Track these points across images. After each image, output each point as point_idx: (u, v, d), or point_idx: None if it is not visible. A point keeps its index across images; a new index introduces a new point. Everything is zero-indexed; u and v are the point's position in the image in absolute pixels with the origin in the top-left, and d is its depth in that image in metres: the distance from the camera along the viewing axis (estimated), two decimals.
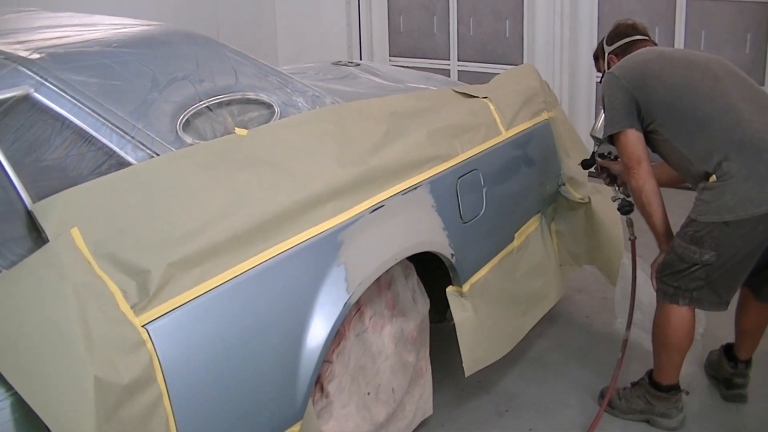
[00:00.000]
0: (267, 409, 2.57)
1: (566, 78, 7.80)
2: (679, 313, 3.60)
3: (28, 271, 2.04)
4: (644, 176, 3.61)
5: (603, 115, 3.94)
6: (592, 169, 4.35)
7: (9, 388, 1.91)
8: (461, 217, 3.56)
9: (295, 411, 2.66)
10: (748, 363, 3.99)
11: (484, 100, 4.05)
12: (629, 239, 4.12)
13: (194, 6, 8.25)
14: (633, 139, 3.63)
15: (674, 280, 3.57)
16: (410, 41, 8.81)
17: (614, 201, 4.12)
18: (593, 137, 4.16)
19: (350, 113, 3.24)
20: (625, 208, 4.04)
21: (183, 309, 2.27)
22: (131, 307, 2.15)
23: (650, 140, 3.70)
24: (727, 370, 4.01)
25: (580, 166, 4.43)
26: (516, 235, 4.09)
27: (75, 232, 2.14)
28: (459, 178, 3.55)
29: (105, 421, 1.98)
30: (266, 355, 2.55)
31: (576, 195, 4.52)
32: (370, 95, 3.82)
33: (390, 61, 8.85)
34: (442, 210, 3.42)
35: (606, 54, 4.18)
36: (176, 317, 2.25)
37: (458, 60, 8.50)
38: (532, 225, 4.30)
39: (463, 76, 8.21)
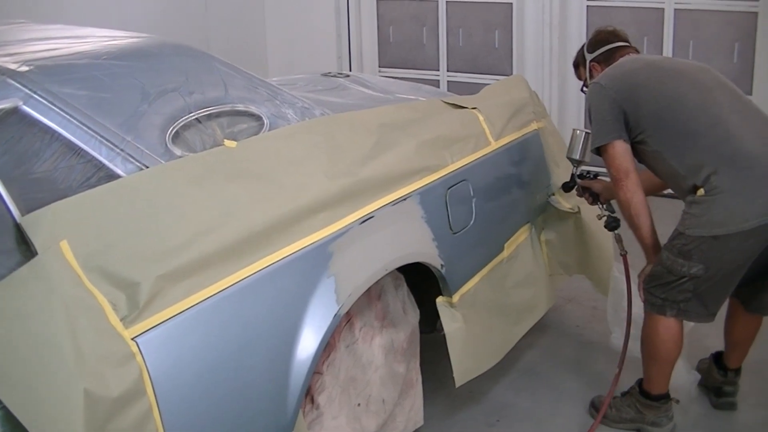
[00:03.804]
0: (257, 421, 2.56)
1: (555, 89, 7.82)
2: (666, 324, 3.60)
3: (17, 285, 2.03)
4: (633, 188, 3.61)
5: (576, 134, 3.98)
6: (574, 191, 4.29)
7: None
8: (451, 228, 3.56)
9: (286, 423, 2.65)
10: (737, 371, 4.00)
11: (474, 110, 4.06)
12: (620, 254, 4.06)
13: (184, 18, 8.24)
14: (621, 150, 3.62)
15: (662, 291, 3.57)
16: (400, 52, 8.82)
17: (600, 219, 4.11)
18: (570, 159, 4.10)
19: (340, 125, 3.24)
20: (611, 225, 4.02)
21: (173, 321, 2.26)
22: (121, 320, 2.14)
23: (637, 151, 3.69)
24: (717, 379, 4.01)
25: (560, 189, 4.43)
26: (506, 245, 4.09)
27: (64, 245, 2.13)
28: (448, 188, 3.55)
29: None
30: (256, 367, 2.54)
31: (565, 205, 4.52)
32: (359, 106, 3.83)
33: (380, 71, 8.86)
34: (431, 221, 3.42)
35: (587, 61, 4.17)
36: (166, 330, 2.24)
37: (448, 71, 8.51)
38: (522, 235, 4.30)
39: (452, 86, 8.21)
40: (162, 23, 7.83)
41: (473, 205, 3.73)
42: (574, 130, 4.03)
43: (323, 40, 9.11)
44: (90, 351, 2.03)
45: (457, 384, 3.60)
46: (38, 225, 2.15)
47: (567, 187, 4.28)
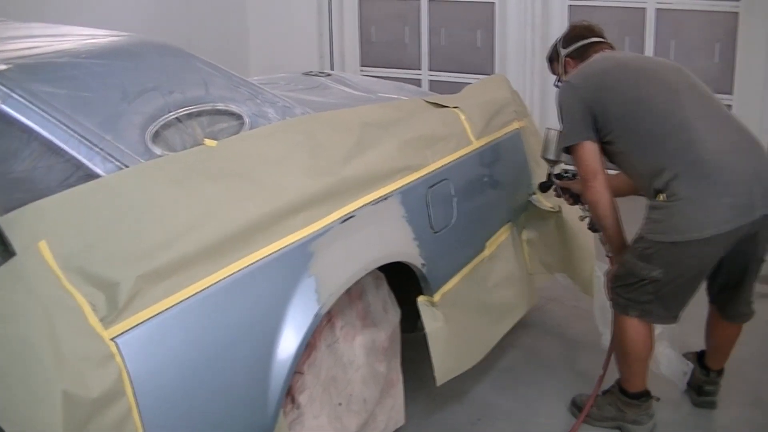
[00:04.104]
0: (238, 420, 2.55)
1: (537, 88, 7.84)
2: (632, 323, 3.64)
3: None
4: (600, 189, 3.62)
5: (550, 134, 3.96)
6: (552, 191, 4.32)
7: None
8: (432, 227, 3.56)
9: (267, 423, 2.65)
10: (720, 372, 4.02)
11: (455, 110, 4.05)
12: (606, 255, 4.03)
13: (166, 17, 8.22)
14: (589, 151, 3.63)
15: (626, 292, 3.62)
16: (382, 51, 8.82)
17: (582, 220, 4.14)
18: (545, 159, 4.08)
19: (321, 124, 3.23)
20: (594, 226, 4.02)
21: (152, 322, 2.25)
22: (100, 321, 2.13)
23: (607, 151, 3.70)
24: (700, 378, 4.04)
25: (537, 190, 4.46)
26: (487, 244, 4.09)
27: (43, 245, 2.12)
28: (430, 188, 3.55)
29: None
30: (237, 367, 2.53)
31: (547, 204, 4.53)
32: (341, 105, 3.81)
33: (361, 71, 8.86)
34: (412, 220, 3.41)
35: (561, 57, 4.15)
36: (146, 330, 2.23)
37: (430, 70, 8.51)
38: (503, 234, 4.30)
39: (434, 86, 8.22)
40: (143, 22, 7.82)
41: (454, 204, 3.73)
42: (547, 129, 4.02)
43: (305, 40, 9.10)
44: (69, 352, 2.02)
45: (438, 383, 3.59)
46: (17, 225, 2.13)
47: (544, 187, 4.32)
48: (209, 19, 8.83)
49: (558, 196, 4.25)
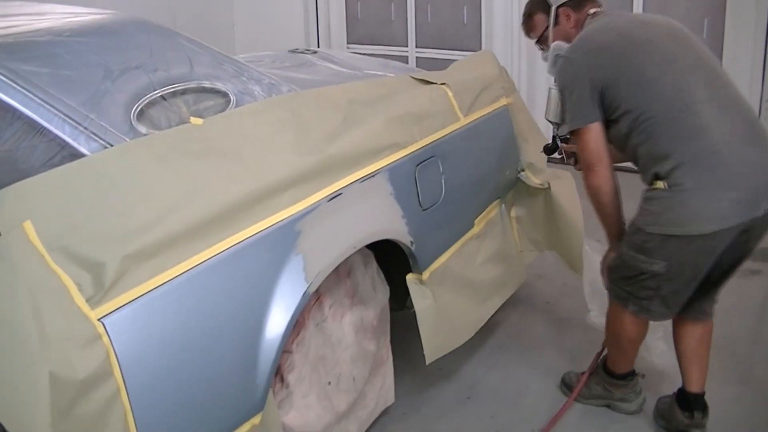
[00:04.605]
0: (227, 400, 2.54)
1: (524, 65, 7.82)
2: (629, 315, 3.51)
3: None
4: (606, 174, 3.41)
5: (554, 95, 3.67)
6: (556, 155, 4.11)
7: None
8: (420, 205, 3.54)
9: (256, 402, 2.63)
10: (705, 410, 3.65)
11: (442, 86, 4.02)
12: None
13: None
14: (596, 133, 3.39)
15: (625, 284, 3.45)
16: (368, 28, 8.79)
17: None
18: (549, 121, 3.80)
19: (307, 101, 3.20)
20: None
21: (139, 302, 2.23)
22: (86, 301, 2.11)
23: (608, 129, 3.43)
24: (682, 421, 3.65)
25: (542, 152, 4.16)
26: (476, 221, 4.08)
27: (27, 225, 2.10)
28: (417, 165, 3.53)
29: (61, 418, 1.95)
30: (225, 347, 2.51)
31: (535, 181, 4.51)
32: (327, 83, 3.78)
33: (348, 48, 8.84)
34: (400, 197, 3.39)
35: (553, 7, 3.74)
36: (133, 310, 2.21)
37: (416, 47, 8.49)
38: (492, 211, 4.29)
39: (421, 62, 8.21)
40: (126, 1, 7.76)
41: (443, 181, 3.71)
42: (550, 89, 3.73)
43: (291, 17, 9.07)
44: (55, 333, 2.00)
45: (428, 361, 3.58)
46: (1, 205, 2.11)
47: (549, 150, 4.06)
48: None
49: (564, 161, 4.08)
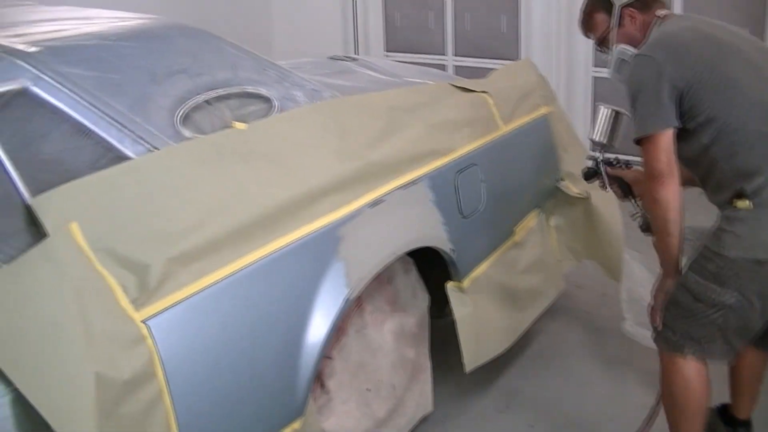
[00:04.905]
0: (267, 404, 2.56)
1: (563, 73, 7.79)
2: (687, 364, 3.02)
3: (28, 266, 2.03)
4: (676, 189, 2.94)
5: (605, 114, 3.47)
6: (596, 180, 3.67)
7: (9, 384, 1.90)
8: (461, 212, 3.54)
9: (296, 407, 2.65)
10: (748, 426, 3.43)
11: (483, 94, 4.02)
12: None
13: (188, 0, 8.20)
14: (671, 140, 2.94)
15: (682, 324, 3.01)
16: (406, 36, 8.79)
17: (634, 218, 3.53)
18: (595, 142, 3.54)
19: (349, 107, 3.21)
20: (648, 225, 3.40)
21: (183, 304, 2.26)
22: (131, 302, 2.14)
23: (680, 141, 3.00)
24: None
25: (582, 178, 3.77)
26: (516, 230, 4.07)
27: (74, 227, 2.12)
28: (458, 172, 3.53)
29: (106, 418, 1.97)
30: (267, 351, 2.54)
31: (574, 190, 4.49)
32: (367, 90, 3.79)
33: (386, 56, 8.83)
34: (441, 204, 3.40)
35: (616, 7, 3.32)
36: (176, 312, 2.24)
37: (454, 55, 8.48)
38: (531, 220, 4.28)
39: (459, 71, 8.19)
40: (166, 4, 7.79)
41: (483, 189, 3.71)
42: (599, 106, 3.52)
43: (329, 24, 9.10)
44: (100, 333, 2.03)
45: (467, 370, 3.58)
46: (48, 207, 2.14)
47: (588, 175, 3.67)
48: (233, 4, 8.82)
49: (603, 187, 3.62)
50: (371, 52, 8.96)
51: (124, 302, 2.12)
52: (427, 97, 3.73)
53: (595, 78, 7.55)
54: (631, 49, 3.28)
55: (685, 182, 3.10)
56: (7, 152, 2.20)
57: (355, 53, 8.88)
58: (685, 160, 3.06)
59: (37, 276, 2.02)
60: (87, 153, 2.37)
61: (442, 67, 8.35)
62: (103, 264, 2.12)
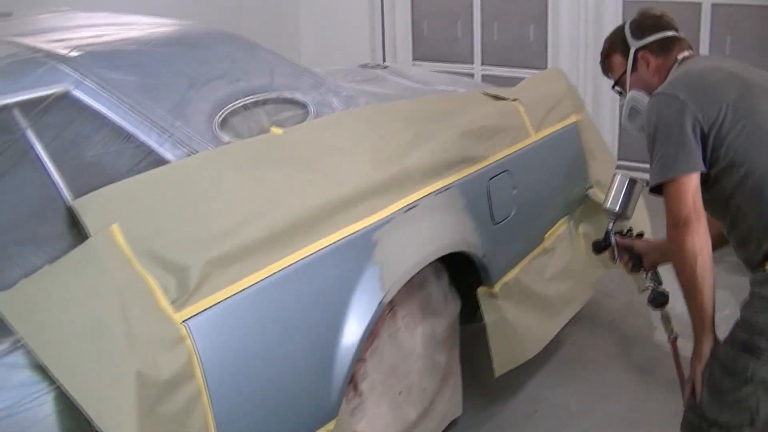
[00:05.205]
0: (303, 405, 2.58)
1: (590, 83, 7.78)
2: None
3: (70, 267, 2.06)
4: (704, 237, 2.67)
5: (619, 181, 3.37)
6: (606, 253, 3.52)
7: (52, 381, 1.92)
8: (492, 218, 3.56)
9: (331, 408, 2.67)
10: None
11: (514, 102, 4.04)
12: (669, 340, 3.33)
13: (217, 9, 8.25)
14: (696, 185, 2.70)
15: (709, 402, 2.67)
16: (434, 45, 8.81)
17: (642, 292, 3.40)
18: (606, 212, 3.42)
19: (383, 114, 3.24)
20: (658, 300, 3.29)
21: (221, 306, 2.28)
22: (171, 303, 2.17)
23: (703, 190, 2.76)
24: None
25: (591, 252, 3.66)
26: (545, 236, 4.09)
27: (115, 229, 2.16)
28: (490, 179, 3.55)
29: (146, 416, 1.99)
30: (302, 353, 2.56)
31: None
32: (399, 97, 3.82)
33: (413, 65, 8.85)
34: (473, 211, 3.42)
35: (632, 50, 3.17)
36: (214, 314, 2.26)
37: (482, 64, 8.49)
38: (561, 227, 4.28)
39: (486, 80, 8.16)
40: (194, 11, 7.82)
41: (514, 196, 3.72)
42: (615, 174, 3.41)
43: (357, 33, 9.12)
44: (141, 333, 2.05)
45: (497, 374, 3.61)
46: (90, 208, 2.18)
47: (599, 248, 3.54)
48: (261, 11, 8.85)
49: (612, 259, 3.49)
50: (399, 61, 8.98)
51: (164, 303, 2.15)
52: (459, 104, 3.75)
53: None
54: (644, 96, 3.13)
55: (714, 243, 2.79)
56: (50, 155, 2.23)
57: (383, 62, 8.91)
58: (712, 215, 2.86)
59: (79, 276, 2.05)
60: (127, 156, 2.40)
61: (470, 77, 8.36)
62: (144, 265, 2.15)
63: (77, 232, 2.18)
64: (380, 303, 2.80)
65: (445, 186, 3.25)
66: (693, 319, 2.76)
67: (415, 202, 3.05)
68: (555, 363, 4.40)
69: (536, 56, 8.10)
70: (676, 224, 2.69)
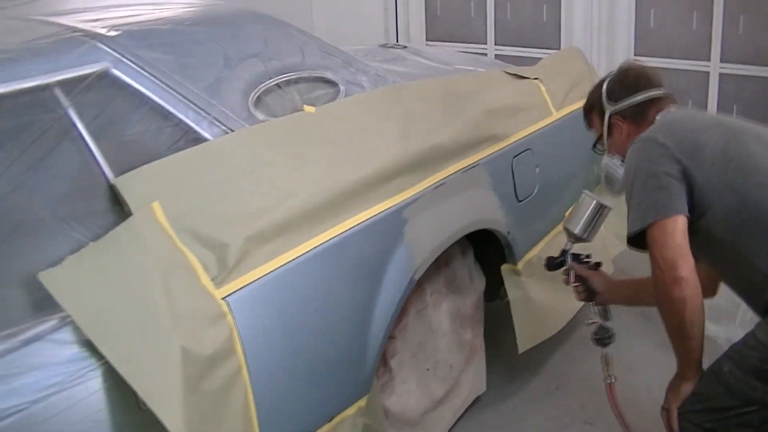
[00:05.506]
0: (338, 381, 2.62)
1: (603, 63, 7.76)
2: None
3: (114, 244, 2.09)
4: (694, 284, 2.45)
5: (586, 203, 3.17)
6: (560, 273, 3.32)
7: (100, 357, 1.95)
8: (516, 196, 3.59)
9: (364, 384, 2.71)
10: None
11: (535, 81, 4.06)
12: (605, 382, 3.20)
13: None
14: (683, 228, 2.50)
15: (711, 419, 2.51)
16: (447, 25, 8.80)
17: (588, 325, 3.25)
18: (567, 231, 3.23)
19: (411, 93, 3.26)
20: (602, 339, 3.20)
21: (259, 282, 2.31)
22: (212, 280, 2.19)
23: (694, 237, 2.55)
24: None
25: (544, 266, 3.40)
26: (566, 214, 4.10)
27: (156, 206, 2.18)
28: (514, 157, 3.58)
29: (190, 392, 2.02)
30: (337, 329, 2.60)
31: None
32: (422, 76, 3.84)
33: (426, 45, 8.85)
34: (498, 188, 3.45)
35: (607, 114, 3.03)
36: (253, 290, 2.29)
37: (495, 44, 8.48)
38: None
39: (500, 60, 8.20)
40: None
41: (537, 174, 3.75)
42: (583, 195, 3.20)
43: (370, 14, 9.11)
44: (184, 310, 2.08)
45: (521, 350, 3.65)
46: (131, 186, 2.20)
47: (552, 265, 3.32)
48: None
49: (567, 282, 3.28)
50: (412, 42, 8.97)
51: (205, 280, 2.18)
52: (483, 83, 3.77)
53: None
54: (617, 165, 3.03)
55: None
56: (91, 133, 2.26)
57: (397, 42, 8.90)
58: (707, 262, 2.71)
59: (124, 253, 2.08)
60: (166, 134, 2.43)
61: (484, 56, 8.36)
62: (184, 242, 2.18)
63: (119, 209, 2.20)
64: (411, 280, 2.83)
65: (471, 164, 3.28)
66: (678, 358, 2.61)
67: (443, 179, 3.08)
68: (576, 340, 4.42)
69: (550, 36, 8.10)
70: (663, 272, 2.49)
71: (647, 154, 2.60)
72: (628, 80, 2.98)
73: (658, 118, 2.85)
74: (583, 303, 3.38)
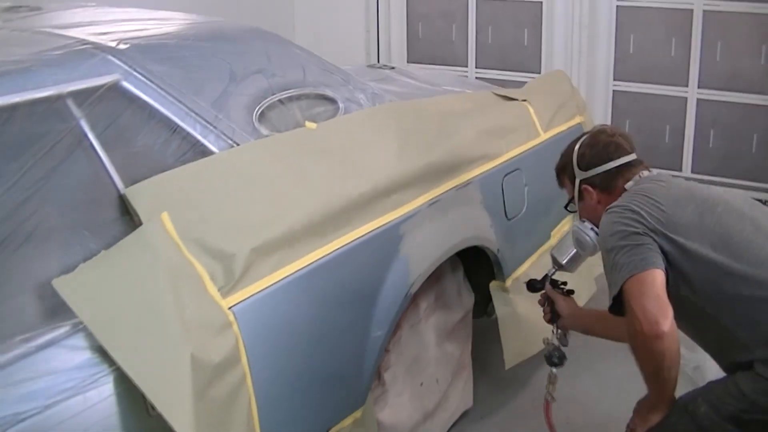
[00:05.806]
0: (336, 393, 2.67)
1: (583, 86, 7.82)
2: None
3: (125, 253, 2.13)
4: (674, 336, 2.37)
5: (578, 233, 3.06)
6: (538, 295, 3.34)
7: (111, 363, 1.98)
8: (506, 215, 3.65)
9: (360, 396, 2.76)
10: None
11: (524, 102, 4.13)
12: (546, 399, 3.33)
13: (213, 6, 8.24)
14: (660, 282, 2.42)
15: None
16: (428, 47, 8.83)
17: (545, 344, 3.28)
18: (554, 259, 3.25)
19: (406, 111, 3.32)
20: (555, 359, 3.24)
21: (264, 293, 2.35)
22: (218, 290, 2.23)
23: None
24: None
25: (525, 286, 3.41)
26: (552, 233, 4.18)
27: (165, 217, 2.22)
28: (504, 176, 3.64)
29: (199, 398, 2.05)
30: (336, 341, 2.64)
31: None
32: (413, 96, 3.91)
33: (408, 67, 8.88)
34: (490, 207, 3.52)
35: (577, 181, 2.99)
36: (257, 301, 2.33)
37: (476, 67, 8.53)
38: (566, 225, 4.37)
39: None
40: (189, 9, 7.85)
41: (525, 193, 3.82)
42: (575, 226, 3.11)
43: (352, 35, 9.13)
44: (193, 318, 2.12)
45: (507, 366, 3.70)
46: (141, 196, 2.25)
47: (533, 288, 3.34)
48: (256, 12, 8.86)
49: (541, 303, 3.32)
50: (393, 63, 9.01)
51: (212, 289, 2.22)
52: (475, 104, 3.85)
53: (615, 91, 7.63)
54: (587, 229, 3.01)
55: None
56: (102, 143, 2.30)
57: (377, 63, 8.93)
58: (688, 330, 2.67)
59: (134, 262, 2.13)
60: (174, 146, 2.47)
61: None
62: (192, 252, 2.22)
63: (129, 219, 2.25)
64: (407, 294, 2.88)
65: (465, 182, 3.34)
66: (652, 394, 2.60)
67: (438, 196, 3.14)
68: None
69: (531, 60, 8.15)
70: (642, 325, 2.38)
71: (622, 220, 2.56)
72: (597, 147, 2.94)
73: (628, 186, 2.81)
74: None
